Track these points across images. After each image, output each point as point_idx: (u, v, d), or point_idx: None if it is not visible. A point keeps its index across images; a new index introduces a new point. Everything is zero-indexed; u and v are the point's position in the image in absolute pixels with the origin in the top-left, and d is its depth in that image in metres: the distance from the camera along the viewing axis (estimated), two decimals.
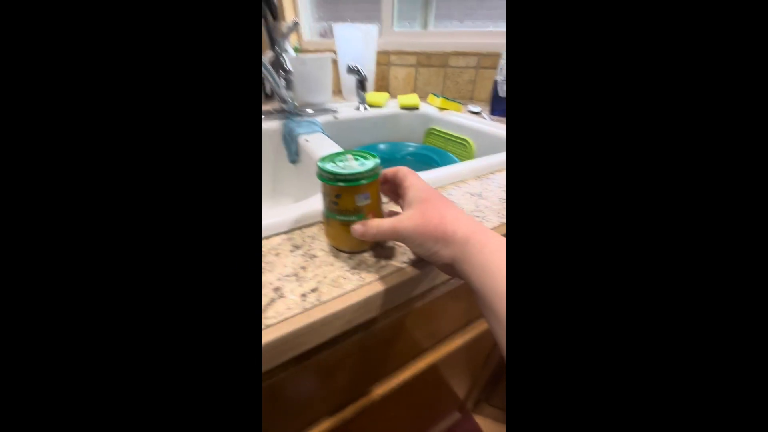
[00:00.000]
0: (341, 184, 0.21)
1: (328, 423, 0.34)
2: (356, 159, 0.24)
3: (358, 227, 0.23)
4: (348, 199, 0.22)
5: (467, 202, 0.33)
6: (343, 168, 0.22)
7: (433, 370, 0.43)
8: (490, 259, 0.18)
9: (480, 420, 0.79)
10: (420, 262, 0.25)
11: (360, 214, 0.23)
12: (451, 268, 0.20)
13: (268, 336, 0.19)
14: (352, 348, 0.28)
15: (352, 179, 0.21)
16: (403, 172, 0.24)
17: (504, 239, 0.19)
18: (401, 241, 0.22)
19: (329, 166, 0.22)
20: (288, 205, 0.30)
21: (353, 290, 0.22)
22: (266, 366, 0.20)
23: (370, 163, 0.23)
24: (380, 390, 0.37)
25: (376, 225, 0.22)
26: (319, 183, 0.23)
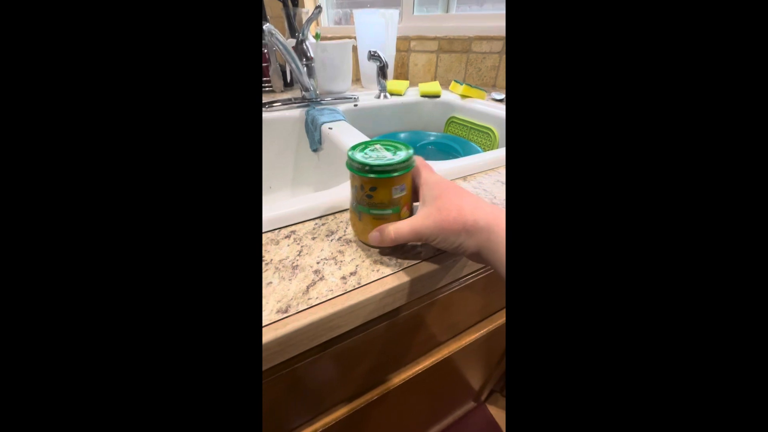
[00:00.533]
0: (378, 176, 0.21)
1: (346, 408, 0.35)
2: (387, 149, 0.23)
3: (374, 234, 0.22)
4: (384, 192, 0.22)
5: (498, 191, 0.33)
6: (377, 159, 0.21)
7: (450, 361, 0.43)
8: None
9: (493, 410, 0.80)
10: None
11: (396, 206, 0.22)
12: (479, 257, 0.20)
13: (309, 316, 0.19)
14: (379, 334, 0.28)
15: (390, 170, 0.21)
16: (415, 166, 0.23)
17: None
18: (423, 241, 0.22)
19: (361, 157, 0.21)
20: (318, 192, 0.30)
21: (392, 274, 0.22)
22: (305, 347, 0.20)
23: (404, 152, 0.22)
24: (399, 378, 0.38)
25: (393, 229, 0.21)
26: (341, 172, 0.22)
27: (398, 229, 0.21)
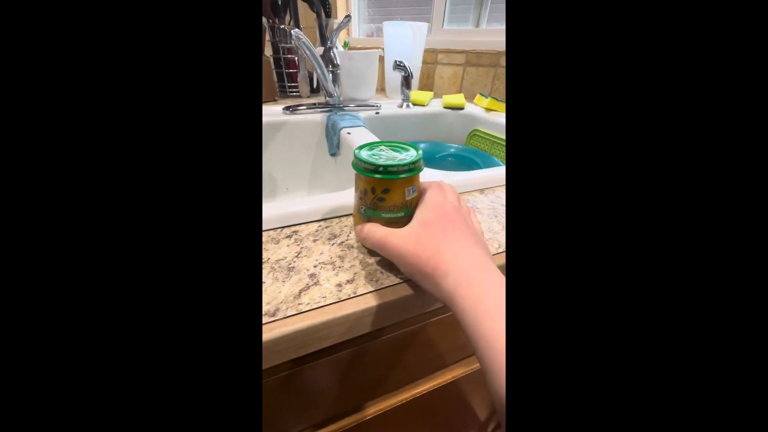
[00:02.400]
0: (391, 177, 0.19)
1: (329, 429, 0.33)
2: (393, 149, 0.22)
3: (359, 227, 0.21)
4: (398, 193, 0.20)
5: None
6: (388, 159, 0.20)
7: (455, 385, 0.40)
8: (481, 319, 0.14)
9: None
10: None
11: (408, 209, 0.21)
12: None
13: (298, 323, 0.18)
14: (374, 349, 0.26)
15: (405, 170, 0.19)
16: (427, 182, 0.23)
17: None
18: (388, 258, 0.20)
19: (370, 157, 0.20)
20: (325, 194, 0.29)
21: (391, 286, 0.20)
22: (290, 356, 0.19)
23: (413, 152, 0.21)
24: (394, 400, 0.35)
25: (368, 229, 0.20)
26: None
27: (371, 231, 0.20)
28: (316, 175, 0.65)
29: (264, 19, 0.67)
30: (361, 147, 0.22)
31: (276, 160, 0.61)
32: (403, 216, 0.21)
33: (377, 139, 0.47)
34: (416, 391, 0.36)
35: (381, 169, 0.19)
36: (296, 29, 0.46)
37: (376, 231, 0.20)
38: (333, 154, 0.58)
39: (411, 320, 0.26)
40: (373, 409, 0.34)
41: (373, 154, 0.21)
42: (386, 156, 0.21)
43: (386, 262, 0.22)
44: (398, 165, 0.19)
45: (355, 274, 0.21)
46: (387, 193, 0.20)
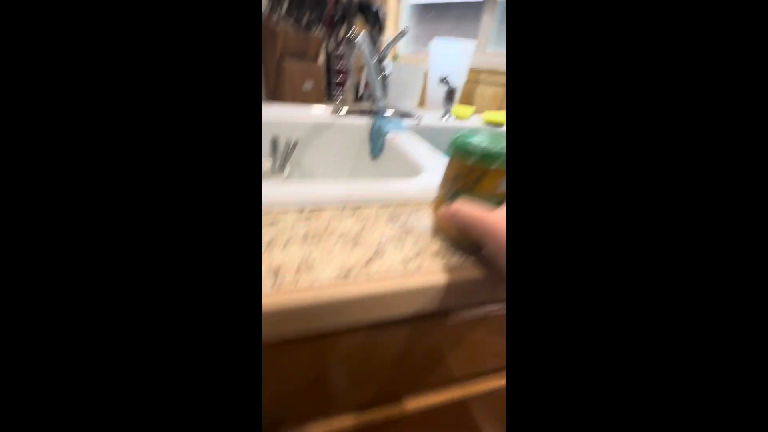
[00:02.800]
0: (489, 164, 0.19)
1: (354, 418, 0.32)
2: (493, 140, 0.21)
3: (444, 209, 0.20)
4: (491, 183, 0.20)
5: None
6: (488, 147, 0.19)
7: (486, 397, 0.38)
8: None
9: None
10: None
11: (500, 199, 0.20)
12: None
13: (369, 285, 0.18)
14: (425, 334, 0.26)
15: (501, 160, 0.19)
16: None
17: None
18: (476, 239, 0.19)
19: (475, 141, 0.20)
20: (386, 182, 0.30)
21: (456, 267, 0.20)
22: (356, 317, 0.19)
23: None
24: (437, 398, 0.34)
25: (459, 206, 0.19)
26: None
27: (464, 208, 0.19)
28: (355, 175, 0.67)
29: (323, 29, 0.73)
30: (460, 135, 0.22)
31: (319, 158, 0.64)
32: (494, 206, 0.20)
33: (425, 143, 0.48)
34: (466, 392, 0.35)
35: (482, 154, 0.19)
36: (361, 34, 0.50)
37: (469, 207, 0.19)
38: (374, 156, 0.60)
39: (471, 310, 0.26)
40: (413, 404, 0.33)
41: (472, 142, 0.21)
42: (486, 144, 0.20)
43: (448, 244, 0.23)
44: (496, 153, 0.19)
45: (418, 252, 0.21)
46: (478, 182, 0.20)
